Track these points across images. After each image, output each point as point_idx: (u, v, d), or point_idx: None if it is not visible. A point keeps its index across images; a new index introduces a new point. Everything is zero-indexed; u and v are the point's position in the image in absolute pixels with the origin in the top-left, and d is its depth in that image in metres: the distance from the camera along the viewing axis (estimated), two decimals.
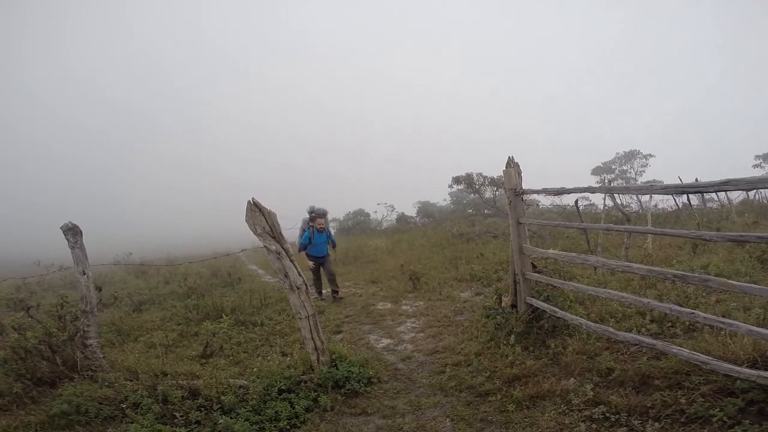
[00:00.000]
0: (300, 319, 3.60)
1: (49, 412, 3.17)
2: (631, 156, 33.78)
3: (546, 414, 2.79)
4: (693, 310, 2.70)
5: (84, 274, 4.14)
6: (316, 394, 3.36)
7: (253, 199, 3.43)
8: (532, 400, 2.98)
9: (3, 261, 22.88)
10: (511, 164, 4.15)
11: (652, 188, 3.20)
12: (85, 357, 3.89)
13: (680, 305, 3.19)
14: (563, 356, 3.44)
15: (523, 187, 4.11)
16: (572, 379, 3.09)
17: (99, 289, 4.49)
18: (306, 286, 3.60)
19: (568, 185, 3.66)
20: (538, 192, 4.16)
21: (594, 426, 2.59)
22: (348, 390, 3.46)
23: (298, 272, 3.55)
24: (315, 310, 3.66)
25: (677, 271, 2.74)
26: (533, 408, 2.91)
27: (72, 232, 4.11)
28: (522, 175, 4.17)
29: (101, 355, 4.07)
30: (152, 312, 7.35)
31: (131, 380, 3.54)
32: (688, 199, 11.37)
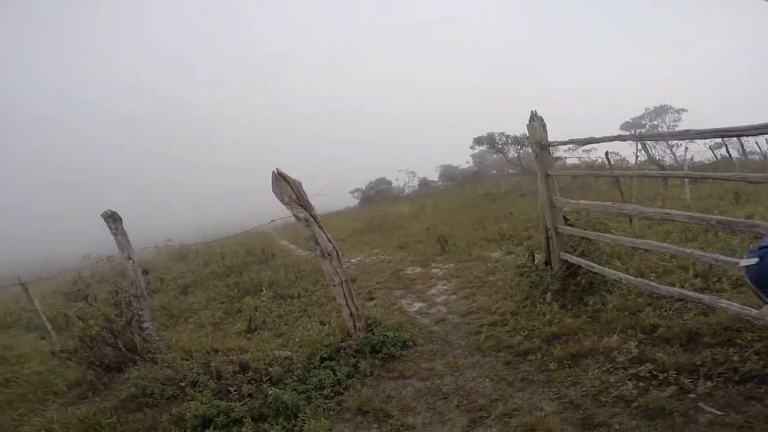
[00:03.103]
0: (334, 285, 3.63)
1: (120, 397, 3.39)
2: (662, 111, 31.50)
3: (589, 372, 2.75)
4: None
5: (129, 258, 4.32)
6: (356, 360, 3.46)
7: (277, 169, 3.46)
8: (574, 359, 2.95)
9: (53, 256, 24.52)
10: (535, 118, 3.96)
11: (688, 133, 2.90)
12: (143, 340, 4.16)
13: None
14: (603, 313, 3.37)
15: (549, 140, 3.92)
16: (614, 336, 3.02)
17: (145, 272, 4.76)
18: (337, 252, 3.61)
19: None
20: (564, 143, 3.98)
21: (641, 384, 2.51)
22: (385, 354, 3.55)
23: (328, 238, 3.57)
24: (348, 277, 3.69)
25: (721, 217, 2.54)
26: (575, 366, 2.88)
27: (112, 219, 4.28)
28: (547, 128, 3.97)
29: (157, 338, 4.34)
30: (197, 293, 7.79)
31: (187, 359, 3.76)
32: (728, 151, 10.58)
